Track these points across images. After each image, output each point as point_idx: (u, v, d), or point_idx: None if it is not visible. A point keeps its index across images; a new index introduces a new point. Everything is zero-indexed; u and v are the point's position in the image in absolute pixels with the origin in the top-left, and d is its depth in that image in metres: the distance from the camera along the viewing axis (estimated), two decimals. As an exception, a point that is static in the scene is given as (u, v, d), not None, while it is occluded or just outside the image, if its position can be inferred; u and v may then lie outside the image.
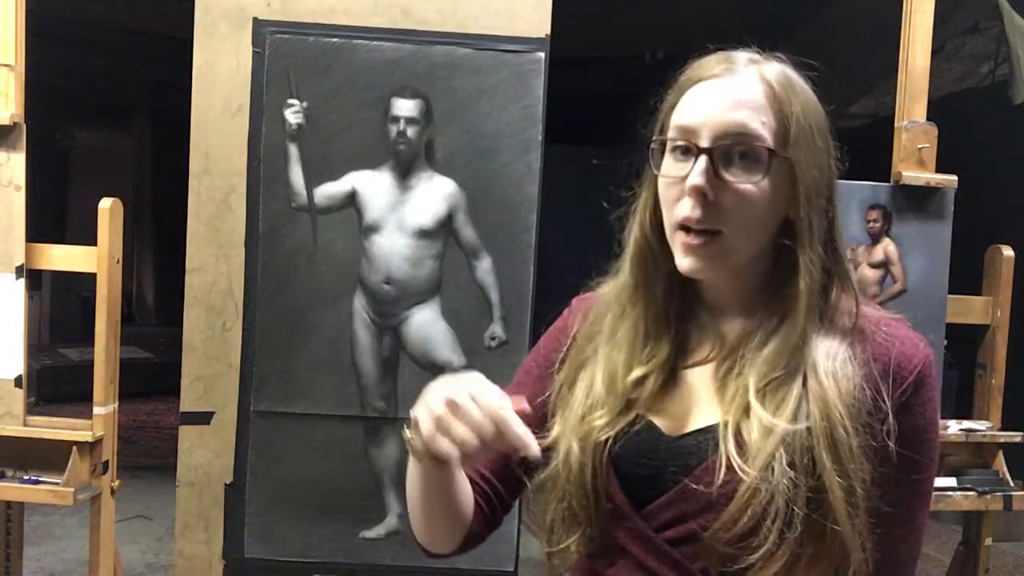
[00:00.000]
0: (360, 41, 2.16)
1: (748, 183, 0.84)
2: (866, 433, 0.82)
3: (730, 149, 0.84)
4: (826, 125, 0.89)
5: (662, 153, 0.89)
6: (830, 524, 0.80)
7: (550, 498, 0.93)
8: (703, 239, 0.85)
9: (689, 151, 0.86)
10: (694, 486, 0.85)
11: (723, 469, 0.83)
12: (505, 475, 1.00)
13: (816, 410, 0.82)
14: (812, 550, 0.81)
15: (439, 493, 0.93)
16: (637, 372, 0.91)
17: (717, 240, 0.85)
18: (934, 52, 2.28)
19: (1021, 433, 2.31)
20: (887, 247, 2.24)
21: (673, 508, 0.87)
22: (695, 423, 0.89)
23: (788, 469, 0.80)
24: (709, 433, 0.86)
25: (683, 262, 0.87)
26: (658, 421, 0.90)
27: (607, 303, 0.97)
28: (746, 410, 0.84)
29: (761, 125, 0.84)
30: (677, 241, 0.87)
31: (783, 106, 0.85)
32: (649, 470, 0.88)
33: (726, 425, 0.85)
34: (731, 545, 0.81)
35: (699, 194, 0.84)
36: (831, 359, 0.84)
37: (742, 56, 0.89)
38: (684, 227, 0.85)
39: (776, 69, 0.88)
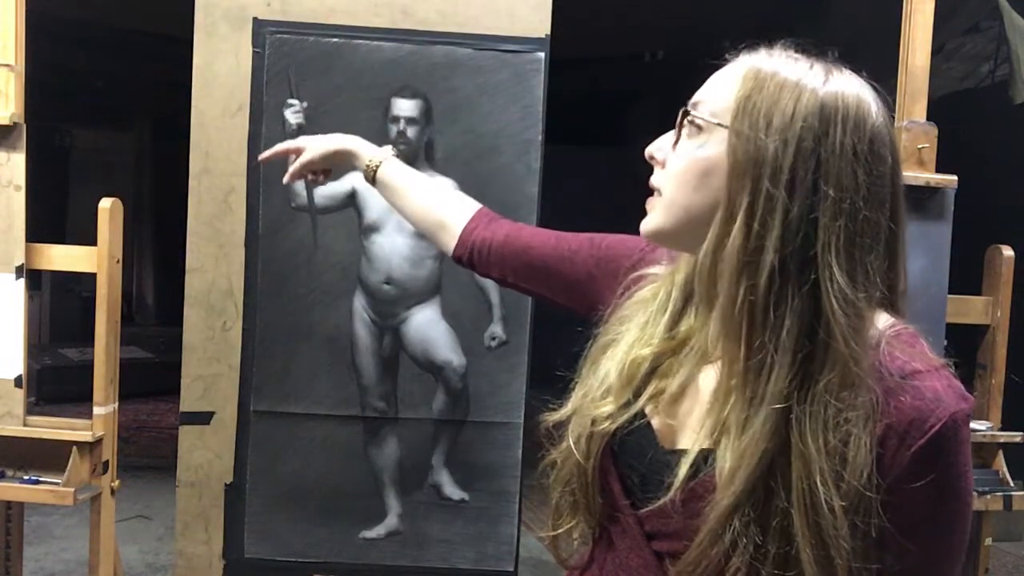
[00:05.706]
0: (360, 41, 2.16)
1: (687, 146, 0.85)
2: (857, 506, 0.73)
3: (687, 119, 0.85)
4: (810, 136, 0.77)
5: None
6: None
7: (558, 478, 0.92)
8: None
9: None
10: (666, 505, 0.82)
11: (683, 501, 0.81)
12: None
13: (797, 471, 0.74)
14: None
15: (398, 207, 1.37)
16: (654, 350, 0.90)
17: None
18: (934, 52, 2.27)
19: (1021, 433, 2.30)
20: (887, 247, 2.24)
21: (654, 520, 0.85)
22: (684, 440, 0.85)
23: (755, 528, 0.74)
24: (691, 455, 0.82)
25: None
26: (658, 424, 0.88)
27: (651, 285, 0.96)
28: (719, 444, 0.79)
29: (714, 100, 0.83)
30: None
31: (752, 94, 0.80)
32: (639, 476, 0.87)
33: (694, 457, 0.81)
34: None
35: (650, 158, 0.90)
36: (828, 411, 0.74)
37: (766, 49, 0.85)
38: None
39: (780, 63, 0.82)
